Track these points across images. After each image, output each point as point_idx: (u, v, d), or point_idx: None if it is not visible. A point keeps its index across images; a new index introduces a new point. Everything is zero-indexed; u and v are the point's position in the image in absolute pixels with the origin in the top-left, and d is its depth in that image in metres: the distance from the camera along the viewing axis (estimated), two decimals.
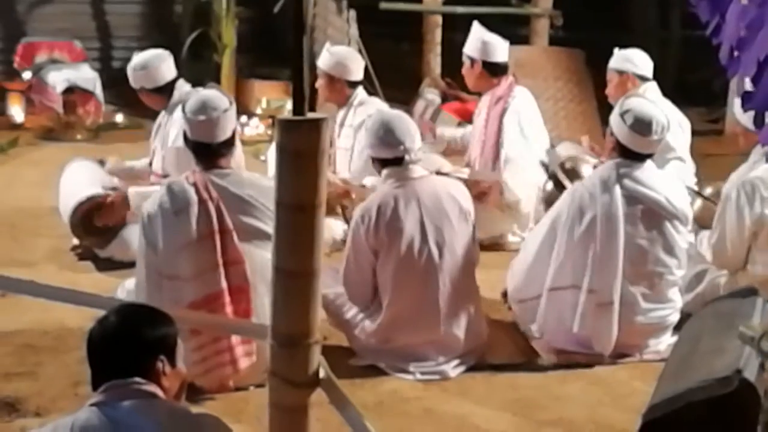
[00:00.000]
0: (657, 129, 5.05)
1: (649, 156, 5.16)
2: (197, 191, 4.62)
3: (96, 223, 6.23)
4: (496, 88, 6.94)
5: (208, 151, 4.76)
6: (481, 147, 6.97)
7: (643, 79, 6.80)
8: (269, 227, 4.52)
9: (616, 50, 6.89)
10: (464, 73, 7.09)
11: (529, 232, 6.87)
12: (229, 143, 4.82)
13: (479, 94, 7.25)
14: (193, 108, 4.77)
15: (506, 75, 7.00)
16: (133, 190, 6.22)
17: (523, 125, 6.86)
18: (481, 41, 6.95)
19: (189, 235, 4.57)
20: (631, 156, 5.12)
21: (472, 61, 6.96)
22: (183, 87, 6.50)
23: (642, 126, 5.06)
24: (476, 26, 7.08)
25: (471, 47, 6.99)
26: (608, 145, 5.28)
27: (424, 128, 6.76)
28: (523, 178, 6.83)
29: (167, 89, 6.45)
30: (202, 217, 4.59)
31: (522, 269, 5.35)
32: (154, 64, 6.43)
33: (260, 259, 4.58)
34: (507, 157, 6.83)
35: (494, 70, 6.95)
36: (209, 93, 4.90)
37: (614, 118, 5.17)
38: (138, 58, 6.49)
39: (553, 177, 6.31)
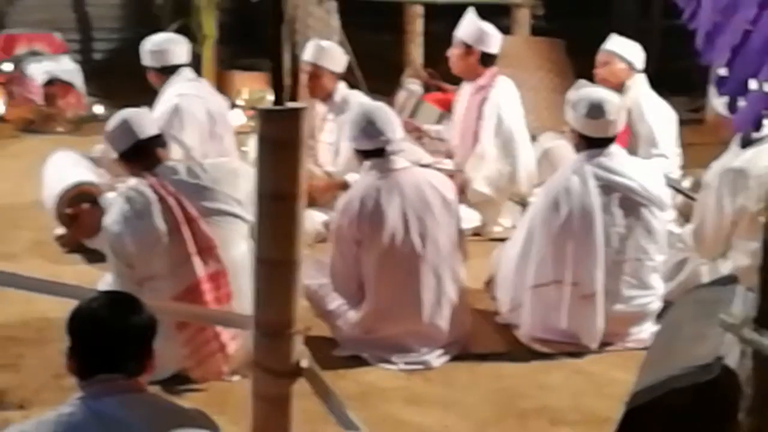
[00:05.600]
0: (611, 109, 5.10)
1: (613, 138, 5.18)
2: (154, 190, 4.65)
3: (76, 238, 6.28)
4: (479, 78, 6.95)
5: (142, 149, 4.83)
6: (461, 136, 6.99)
7: (636, 71, 6.84)
8: (233, 207, 4.70)
9: (615, 36, 6.88)
10: (454, 56, 7.02)
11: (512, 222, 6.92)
12: (159, 138, 4.93)
13: (459, 82, 7.25)
14: (111, 123, 4.93)
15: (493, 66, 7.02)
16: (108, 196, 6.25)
17: (503, 117, 6.85)
18: (481, 30, 6.94)
19: (157, 234, 4.59)
20: (596, 144, 5.14)
21: (469, 47, 6.93)
22: (187, 74, 6.81)
23: (596, 110, 5.10)
24: (472, 13, 7.04)
25: (469, 34, 6.93)
26: (573, 141, 5.31)
27: (407, 126, 6.79)
28: (490, 172, 6.83)
29: (172, 71, 6.71)
30: (165, 212, 4.62)
31: (509, 277, 5.33)
32: (167, 45, 6.79)
33: (228, 240, 4.68)
34: (477, 157, 6.85)
35: (487, 61, 6.96)
36: (121, 111, 5.00)
37: (569, 113, 5.23)
38: (156, 37, 6.89)
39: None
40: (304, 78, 6.86)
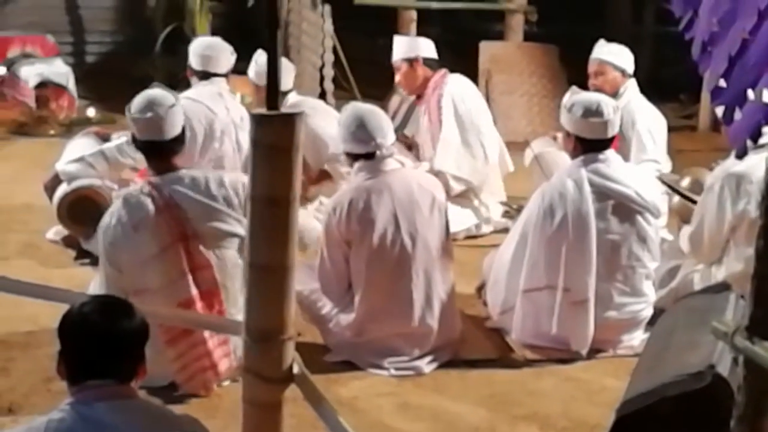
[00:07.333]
0: (607, 110, 5.11)
1: (610, 141, 5.19)
2: (154, 201, 4.59)
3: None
4: (431, 82, 7.03)
5: (159, 150, 4.72)
6: (431, 141, 7.01)
7: (629, 76, 6.85)
8: (233, 227, 4.62)
9: (603, 42, 6.87)
10: (404, 77, 7.09)
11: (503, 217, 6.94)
12: (180, 140, 4.78)
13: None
14: (139, 107, 4.72)
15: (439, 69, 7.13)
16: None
17: (458, 106, 6.96)
18: (410, 40, 7.21)
19: (152, 248, 4.54)
20: (592, 148, 5.14)
21: (412, 61, 7.01)
22: (217, 85, 6.64)
23: (592, 111, 5.11)
24: (397, 37, 7.26)
25: (404, 50, 7.07)
26: (569, 147, 5.30)
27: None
28: (459, 155, 6.93)
29: (206, 77, 6.65)
30: (162, 227, 4.56)
31: (501, 280, 5.33)
32: (208, 52, 6.73)
33: (231, 260, 4.63)
34: (443, 143, 6.93)
35: (432, 65, 7.06)
36: (153, 92, 4.84)
37: (564, 118, 5.23)
38: (204, 40, 7.05)
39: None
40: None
